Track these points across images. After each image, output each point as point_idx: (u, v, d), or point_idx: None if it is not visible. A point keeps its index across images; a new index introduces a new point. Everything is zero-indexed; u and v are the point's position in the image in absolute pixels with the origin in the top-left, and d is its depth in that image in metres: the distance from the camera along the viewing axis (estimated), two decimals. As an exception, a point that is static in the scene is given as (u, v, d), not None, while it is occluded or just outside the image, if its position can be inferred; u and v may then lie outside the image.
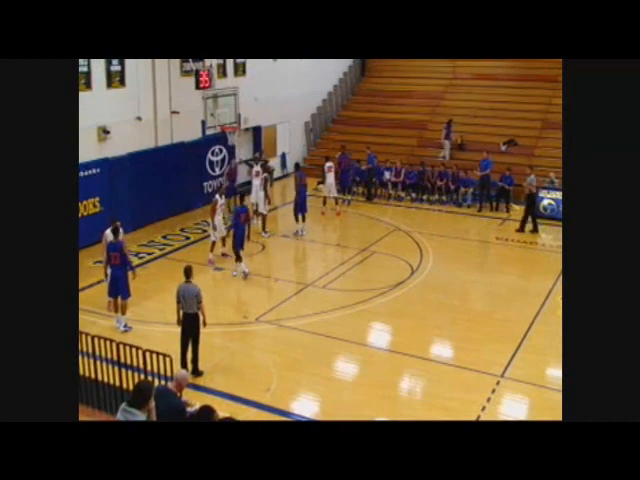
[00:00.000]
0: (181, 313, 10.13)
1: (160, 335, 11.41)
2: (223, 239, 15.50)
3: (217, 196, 15.54)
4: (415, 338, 11.62)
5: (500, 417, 9.32)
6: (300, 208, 17.27)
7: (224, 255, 15.41)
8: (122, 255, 11.80)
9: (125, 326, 11.83)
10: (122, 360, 8.78)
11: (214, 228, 15.26)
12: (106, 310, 12.08)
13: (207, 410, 6.27)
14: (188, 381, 7.64)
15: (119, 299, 11.86)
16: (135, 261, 15.36)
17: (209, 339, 10.88)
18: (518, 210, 19.08)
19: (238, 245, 14.24)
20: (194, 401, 7.45)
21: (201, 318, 10.13)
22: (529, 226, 17.72)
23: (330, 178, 19.26)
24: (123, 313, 11.91)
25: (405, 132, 24.11)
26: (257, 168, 18.77)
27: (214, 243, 15.32)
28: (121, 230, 12.55)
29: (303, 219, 17.34)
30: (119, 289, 11.81)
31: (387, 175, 21.15)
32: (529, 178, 17.89)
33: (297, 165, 18.85)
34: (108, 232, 12.26)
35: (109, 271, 11.97)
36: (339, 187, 19.97)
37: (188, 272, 10.14)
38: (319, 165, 23.51)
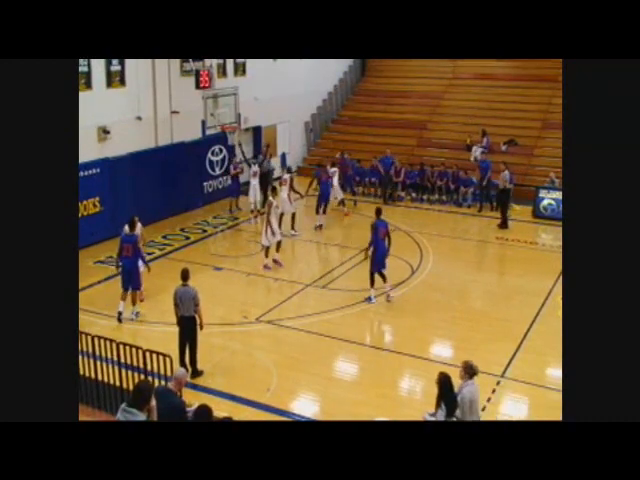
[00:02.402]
0: (179, 315, 10.13)
1: (160, 335, 11.42)
2: (278, 244, 15.02)
3: (271, 198, 15.09)
4: (415, 338, 11.62)
5: (500, 417, 9.31)
6: (324, 199, 17.93)
7: (276, 262, 15.01)
8: (135, 248, 11.99)
9: (137, 314, 12.14)
10: (122, 360, 8.79)
11: (273, 233, 14.57)
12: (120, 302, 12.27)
13: (204, 409, 6.30)
14: (187, 379, 7.68)
15: (130, 291, 12.08)
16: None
17: (209, 339, 10.88)
18: (518, 210, 19.10)
19: (379, 265, 12.80)
20: (193, 401, 7.47)
21: (198, 321, 10.13)
22: (497, 221, 18.13)
23: (334, 181, 19.34)
24: (133, 303, 12.13)
25: (405, 132, 24.11)
26: (255, 168, 18.85)
27: (268, 248, 14.76)
28: (139, 225, 12.87)
29: (324, 211, 17.92)
30: (130, 281, 12.00)
31: None
32: (503, 174, 18.07)
33: (319, 165, 19.61)
34: (127, 227, 12.56)
35: (120, 263, 12.19)
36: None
37: (185, 275, 10.14)
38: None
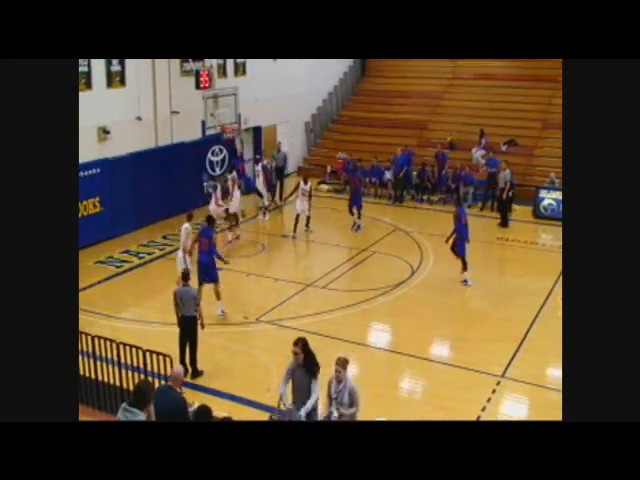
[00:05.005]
0: (179, 315, 10.14)
1: (160, 335, 11.41)
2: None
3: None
4: (415, 338, 11.62)
5: (500, 417, 9.32)
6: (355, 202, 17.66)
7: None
8: (211, 243, 12.21)
9: (222, 312, 12.26)
10: (122, 360, 8.79)
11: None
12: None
13: (204, 410, 6.34)
14: (183, 375, 7.83)
15: (207, 285, 12.22)
16: (135, 261, 15.40)
17: (209, 339, 10.88)
18: (518, 210, 19.10)
19: (463, 249, 13.97)
20: (192, 400, 7.49)
21: (199, 320, 10.14)
22: (498, 220, 18.28)
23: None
24: (218, 298, 12.26)
25: (405, 132, 24.08)
26: (257, 168, 18.96)
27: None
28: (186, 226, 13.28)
29: (359, 215, 17.68)
30: (207, 275, 12.12)
31: (388, 175, 21.13)
32: (503, 172, 18.11)
33: (355, 166, 19.33)
34: (187, 226, 13.14)
35: (188, 259, 12.74)
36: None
37: (186, 275, 10.16)
38: (319, 165, 23.58)
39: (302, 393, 7.65)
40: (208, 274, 12.08)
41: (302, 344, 7.60)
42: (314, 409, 7.67)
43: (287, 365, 7.75)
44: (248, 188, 19.11)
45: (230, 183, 17.13)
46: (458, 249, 14.00)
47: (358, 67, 27.93)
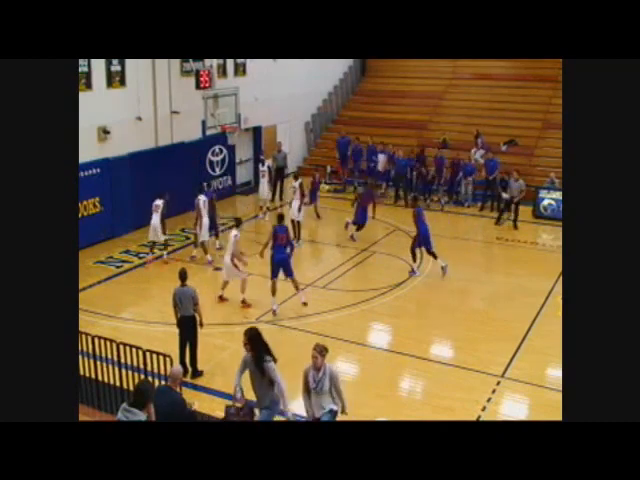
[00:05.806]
0: (179, 316, 10.14)
1: (160, 335, 11.41)
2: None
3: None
4: (415, 338, 11.62)
5: (500, 417, 9.31)
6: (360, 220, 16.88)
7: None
8: (288, 237, 12.59)
9: (277, 308, 12.54)
10: (122, 360, 8.79)
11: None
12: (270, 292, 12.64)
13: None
14: (182, 375, 7.86)
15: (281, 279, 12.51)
16: (135, 261, 15.40)
17: (209, 339, 10.87)
18: (518, 210, 19.09)
19: (428, 244, 14.59)
20: (192, 400, 7.50)
21: (198, 319, 10.14)
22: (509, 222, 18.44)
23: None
24: (298, 289, 12.75)
25: (405, 132, 24.08)
26: (263, 168, 18.99)
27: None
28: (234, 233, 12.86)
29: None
30: (287, 270, 12.56)
31: (381, 158, 21.14)
32: (517, 184, 17.99)
33: (365, 183, 18.22)
34: (237, 233, 12.78)
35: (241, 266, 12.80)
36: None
37: (183, 276, 10.15)
38: (319, 165, 23.56)
39: (254, 384, 7.76)
40: (288, 269, 12.52)
41: (249, 335, 7.57)
42: (276, 403, 7.72)
43: (243, 356, 7.83)
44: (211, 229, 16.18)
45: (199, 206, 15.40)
46: (425, 245, 14.53)
47: (358, 67, 27.91)
